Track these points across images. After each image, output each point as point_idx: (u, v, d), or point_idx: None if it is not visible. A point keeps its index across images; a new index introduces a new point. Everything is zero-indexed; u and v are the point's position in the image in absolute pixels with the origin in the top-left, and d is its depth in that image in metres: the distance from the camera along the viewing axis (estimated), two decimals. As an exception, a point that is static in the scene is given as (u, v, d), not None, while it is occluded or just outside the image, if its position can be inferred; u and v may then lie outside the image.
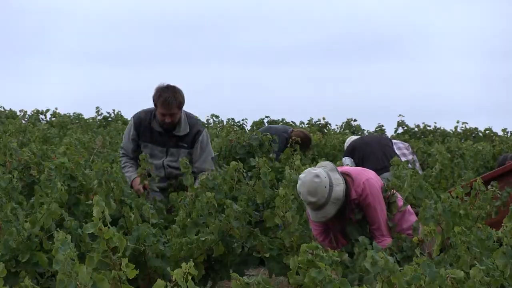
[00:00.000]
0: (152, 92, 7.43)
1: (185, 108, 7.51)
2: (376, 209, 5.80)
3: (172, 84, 7.44)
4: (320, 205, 5.71)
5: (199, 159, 7.43)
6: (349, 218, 5.85)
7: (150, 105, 7.54)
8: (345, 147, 9.71)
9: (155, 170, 7.34)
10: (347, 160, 9.13)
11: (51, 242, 5.40)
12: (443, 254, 5.32)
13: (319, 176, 5.69)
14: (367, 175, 5.92)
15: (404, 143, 9.81)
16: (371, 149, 8.99)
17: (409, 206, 6.05)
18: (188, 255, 5.82)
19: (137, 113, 7.59)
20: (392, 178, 6.67)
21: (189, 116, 7.56)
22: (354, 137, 9.84)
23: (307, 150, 10.31)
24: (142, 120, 7.49)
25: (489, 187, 6.78)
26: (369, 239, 5.53)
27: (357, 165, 8.78)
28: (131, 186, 7.22)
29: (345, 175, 5.88)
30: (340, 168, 6.02)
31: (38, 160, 7.68)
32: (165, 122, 7.37)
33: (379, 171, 8.39)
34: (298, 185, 5.78)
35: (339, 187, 5.73)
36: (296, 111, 36.30)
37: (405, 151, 9.38)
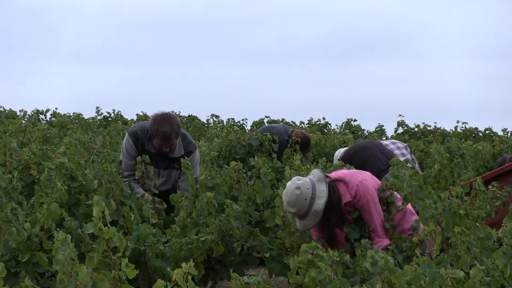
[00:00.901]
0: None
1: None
2: (370, 211, 5.81)
3: (166, 112, 7.37)
4: (300, 216, 5.76)
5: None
6: (346, 219, 5.87)
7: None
8: (337, 160, 9.34)
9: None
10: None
11: (51, 242, 5.39)
12: (443, 254, 5.32)
13: (300, 188, 5.73)
14: (361, 177, 5.92)
15: (402, 143, 9.76)
16: (370, 152, 8.90)
17: (410, 207, 6.05)
18: (188, 255, 5.82)
19: (133, 130, 7.48)
20: (390, 178, 6.66)
21: (183, 137, 7.50)
22: (342, 150, 9.68)
23: (307, 151, 10.27)
24: (139, 138, 7.41)
25: (489, 187, 6.78)
26: (368, 240, 5.54)
27: None
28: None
29: (338, 181, 5.88)
30: (334, 173, 6.03)
31: (38, 160, 7.68)
32: (163, 151, 7.35)
33: (382, 172, 8.37)
34: (283, 193, 5.84)
35: (321, 200, 5.75)
36: (296, 111, 36.34)
37: (404, 151, 9.34)
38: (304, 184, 5.76)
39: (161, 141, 7.29)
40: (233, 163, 7.14)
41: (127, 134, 7.52)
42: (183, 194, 6.78)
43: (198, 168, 7.57)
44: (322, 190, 5.77)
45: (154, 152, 7.38)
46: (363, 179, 5.90)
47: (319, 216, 5.74)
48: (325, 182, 5.82)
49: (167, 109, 7.45)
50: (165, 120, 7.28)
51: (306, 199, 5.72)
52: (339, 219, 5.87)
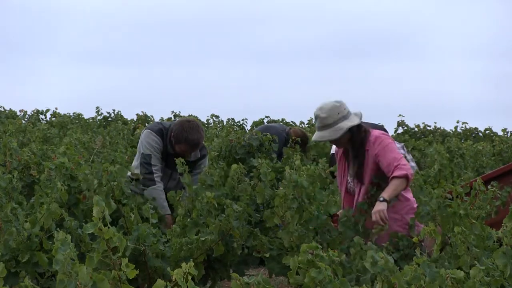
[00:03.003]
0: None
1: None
2: (393, 148, 5.99)
3: (191, 119, 7.42)
4: (322, 125, 6.02)
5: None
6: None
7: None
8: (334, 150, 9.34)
9: None
10: None
11: (51, 242, 5.40)
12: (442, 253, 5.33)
13: (340, 103, 6.06)
14: (382, 133, 6.16)
15: (399, 142, 9.78)
16: None
17: (414, 202, 6.06)
18: (188, 255, 5.82)
19: (158, 128, 7.38)
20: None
21: None
22: None
23: (306, 151, 10.27)
24: (164, 138, 7.38)
25: (489, 187, 6.78)
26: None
27: None
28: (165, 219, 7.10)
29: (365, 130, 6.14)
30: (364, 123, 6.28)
31: (38, 160, 7.68)
32: (183, 156, 7.30)
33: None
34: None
35: (350, 122, 6.01)
36: (296, 111, 36.40)
37: (402, 151, 9.36)
38: (343, 104, 6.06)
39: (189, 148, 7.28)
40: (234, 165, 7.15)
41: (150, 131, 7.36)
42: (181, 193, 6.77)
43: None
44: (355, 119, 6.06)
45: (171, 153, 7.36)
46: (383, 133, 6.14)
47: (338, 134, 5.99)
48: (360, 119, 6.09)
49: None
50: (194, 128, 7.30)
51: (339, 113, 6.02)
52: (358, 164, 6.07)
